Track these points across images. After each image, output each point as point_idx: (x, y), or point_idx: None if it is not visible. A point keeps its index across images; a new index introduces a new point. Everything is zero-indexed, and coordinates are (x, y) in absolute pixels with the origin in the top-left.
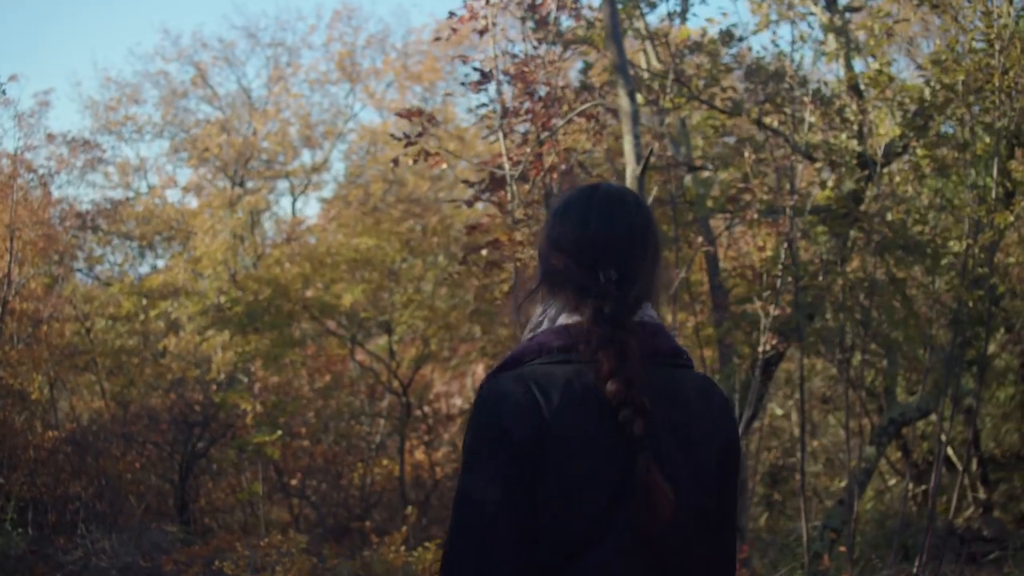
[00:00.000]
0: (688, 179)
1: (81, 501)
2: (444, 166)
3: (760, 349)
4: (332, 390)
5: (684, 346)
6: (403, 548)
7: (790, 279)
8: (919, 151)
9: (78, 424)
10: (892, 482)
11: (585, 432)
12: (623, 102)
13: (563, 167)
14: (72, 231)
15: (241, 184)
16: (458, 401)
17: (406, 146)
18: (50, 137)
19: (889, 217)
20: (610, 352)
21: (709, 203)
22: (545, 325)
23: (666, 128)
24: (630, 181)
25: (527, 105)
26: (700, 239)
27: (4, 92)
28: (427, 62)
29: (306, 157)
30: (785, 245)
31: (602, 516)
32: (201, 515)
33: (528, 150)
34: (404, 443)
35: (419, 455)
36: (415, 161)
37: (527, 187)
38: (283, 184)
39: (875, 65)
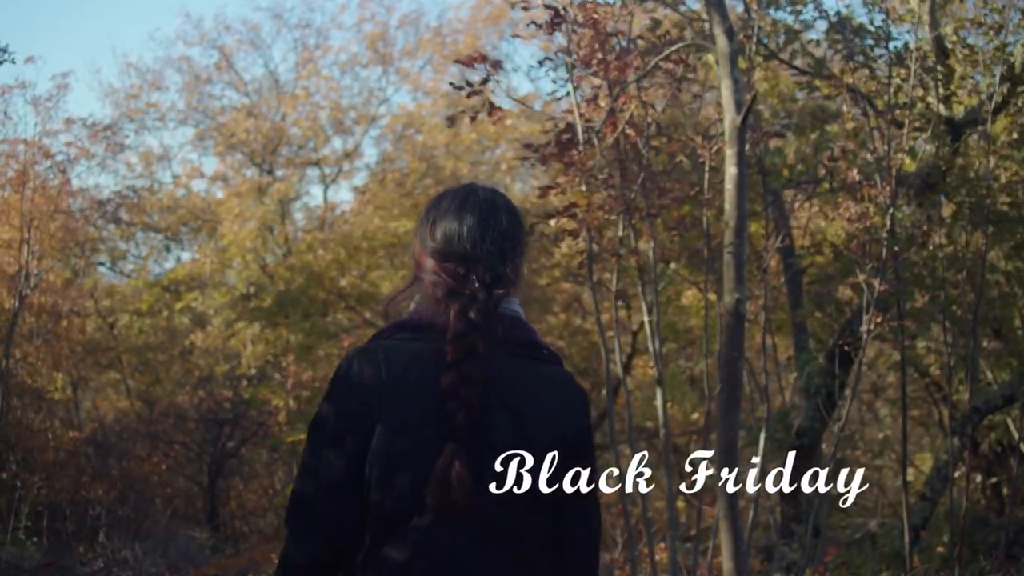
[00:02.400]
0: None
1: (103, 506)
2: (509, 121)
3: (864, 328)
4: None
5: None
6: None
7: (896, 248)
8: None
9: (101, 424)
10: (957, 474)
11: (418, 404)
12: (720, 41)
13: (648, 121)
14: (93, 222)
15: (270, 172)
16: None
17: (469, 95)
18: (68, 122)
19: (1004, 179)
20: (458, 347)
21: (785, 172)
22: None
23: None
24: (729, 132)
25: (599, 56)
26: (798, 204)
27: (12, 60)
28: (467, 40)
29: (337, 144)
30: (890, 211)
31: (421, 487)
32: (232, 518)
33: (601, 105)
34: None
35: None
36: (473, 118)
37: (608, 144)
38: (314, 173)
39: (954, 27)
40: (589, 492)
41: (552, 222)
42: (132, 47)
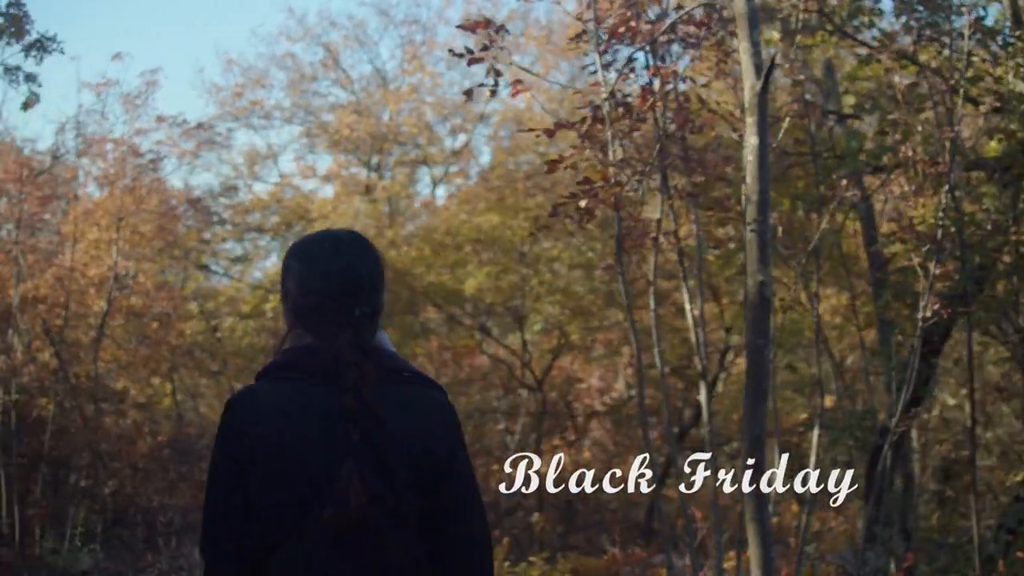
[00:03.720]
0: (836, 130)
1: (175, 512)
2: (528, 94)
3: (920, 315)
4: (462, 385)
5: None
6: (506, 564)
7: (953, 230)
8: None
9: (195, 428)
10: None
11: (292, 436)
12: (737, 1)
13: (671, 91)
14: (188, 223)
15: (376, 170)
16: (613, 396)
17: (469, 63)
18: (160, 120)
19: None
20: (352, 374)
21: (862, 157)
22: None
23: (807, 68)
24: (749, 99)
25: (631, 24)
26: (845, 183)
27: (62, 50)
28: (571, 31)
29: (448, 142)
30: (947, 189)
31: (302, 509)
32: None
33: (632, 76)
34: (540, 442)
35: (563, 455)
36: (493, 92)
37: (633, 121)
38: (427, 172)
39: None
40: (470, 505)
41: (583, 203)
42: (234, 44)
